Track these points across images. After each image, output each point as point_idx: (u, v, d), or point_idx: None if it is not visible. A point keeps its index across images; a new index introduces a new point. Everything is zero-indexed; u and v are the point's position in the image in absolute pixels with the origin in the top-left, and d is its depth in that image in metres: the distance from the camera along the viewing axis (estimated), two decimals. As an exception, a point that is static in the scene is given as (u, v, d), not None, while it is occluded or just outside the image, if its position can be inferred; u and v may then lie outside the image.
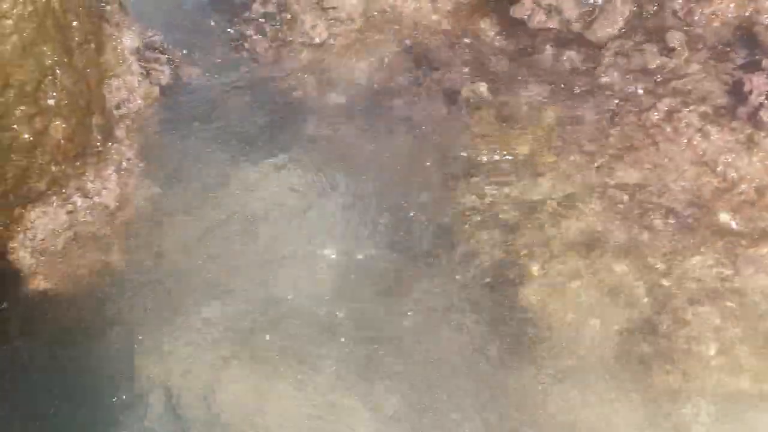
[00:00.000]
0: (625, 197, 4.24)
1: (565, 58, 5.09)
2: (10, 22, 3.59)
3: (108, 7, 4.26)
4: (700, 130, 4.40)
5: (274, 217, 4.36)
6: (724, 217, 4.11)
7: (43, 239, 3.86)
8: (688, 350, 3.62)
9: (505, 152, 4.55)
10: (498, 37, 5.35)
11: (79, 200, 4.03)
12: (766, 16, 4.82)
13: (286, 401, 3.51)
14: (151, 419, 3.52)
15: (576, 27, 5.29)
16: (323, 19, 5.33)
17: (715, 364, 3.57)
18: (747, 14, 4.88)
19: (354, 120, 4.80)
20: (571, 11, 5.32)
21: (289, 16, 5.38)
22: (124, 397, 3.60)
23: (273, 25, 5.38)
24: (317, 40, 5.27)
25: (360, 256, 4.04)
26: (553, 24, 5.41)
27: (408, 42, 5.32)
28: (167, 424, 3.53)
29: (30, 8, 3.65)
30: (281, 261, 4.09)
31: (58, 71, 3.86)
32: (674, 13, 5.02)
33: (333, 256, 4.10)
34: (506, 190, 4.41)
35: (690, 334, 3.66)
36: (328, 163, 4.53)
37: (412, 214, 4.27)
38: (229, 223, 4.30)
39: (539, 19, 5.42)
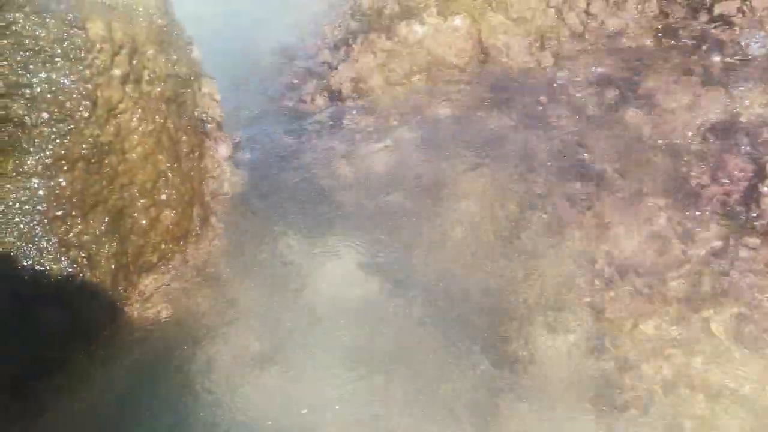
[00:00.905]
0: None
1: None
2: (135, 137, 4.40)
3: (208, 126, 5.01)
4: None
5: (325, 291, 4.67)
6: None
7: (152, 297, 4.44)
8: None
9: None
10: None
11: (179, 268, 4.64)
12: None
13: None
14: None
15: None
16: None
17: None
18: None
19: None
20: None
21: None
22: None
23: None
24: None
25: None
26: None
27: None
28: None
29: (150, 127, 4.48)
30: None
31: (169, 174, 4.62)
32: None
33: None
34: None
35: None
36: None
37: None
38: (287, 292, 4.69)
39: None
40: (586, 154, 5.15)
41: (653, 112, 5.22)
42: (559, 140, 5.20)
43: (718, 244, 4.50)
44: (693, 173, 4.78)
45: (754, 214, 4.42)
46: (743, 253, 4.44)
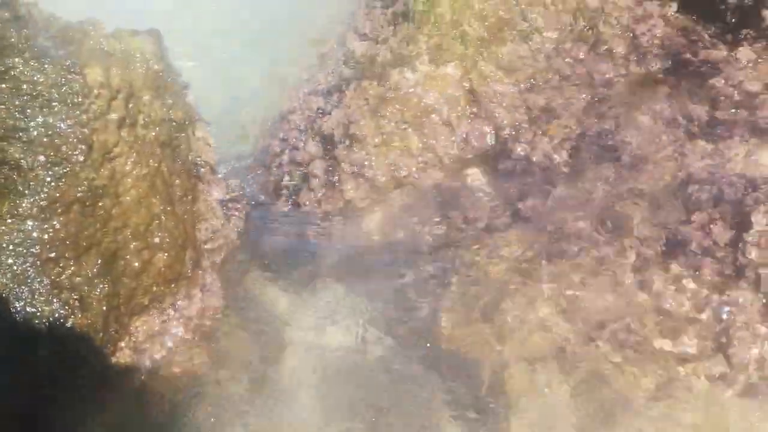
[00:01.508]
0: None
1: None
2: (130, 180, 4.44)
3: (202, 170, 5.06)
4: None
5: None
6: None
7: (143, 341, 4.44)
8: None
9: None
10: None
11: (171, 312, 4.64)
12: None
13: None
14: None
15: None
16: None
17: None
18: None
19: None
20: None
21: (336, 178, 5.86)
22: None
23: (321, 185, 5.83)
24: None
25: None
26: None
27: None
28: None
29: (145, 171, 4.51)
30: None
31: (163, 217, 4.64)
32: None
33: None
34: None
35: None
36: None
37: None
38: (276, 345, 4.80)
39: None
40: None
41: (638, 161, 5.25)
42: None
43: (705, 293, 4.52)
44: (678, 223, 4.84)
45: (742, 263, 4.48)
46: (733, 303, 4.45)
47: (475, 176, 5.57)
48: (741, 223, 4.63)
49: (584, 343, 4.54)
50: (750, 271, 4.44)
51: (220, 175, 5.52)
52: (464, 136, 5.82)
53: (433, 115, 5.81)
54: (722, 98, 5.50)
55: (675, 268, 4.65)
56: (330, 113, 6.05)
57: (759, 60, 5.66)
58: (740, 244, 4.55)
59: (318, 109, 6.35)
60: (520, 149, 5.69)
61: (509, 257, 4.93)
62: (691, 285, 4.55)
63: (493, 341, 4.65)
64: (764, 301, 4.39)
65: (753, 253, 4.46)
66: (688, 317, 4.52)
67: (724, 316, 4.45)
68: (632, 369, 4.41)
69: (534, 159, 5.64)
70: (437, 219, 5.34)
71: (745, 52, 5.73)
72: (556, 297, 4.71)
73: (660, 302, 4.57)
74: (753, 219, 4.56)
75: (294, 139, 6.32)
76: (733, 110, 5.40)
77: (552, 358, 4.49)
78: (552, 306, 4.68)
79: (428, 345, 4.69)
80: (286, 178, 6.12)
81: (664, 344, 4.45)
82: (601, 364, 4.44)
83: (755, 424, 4.08)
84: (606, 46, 6.13)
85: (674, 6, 6.29)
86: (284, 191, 6.06)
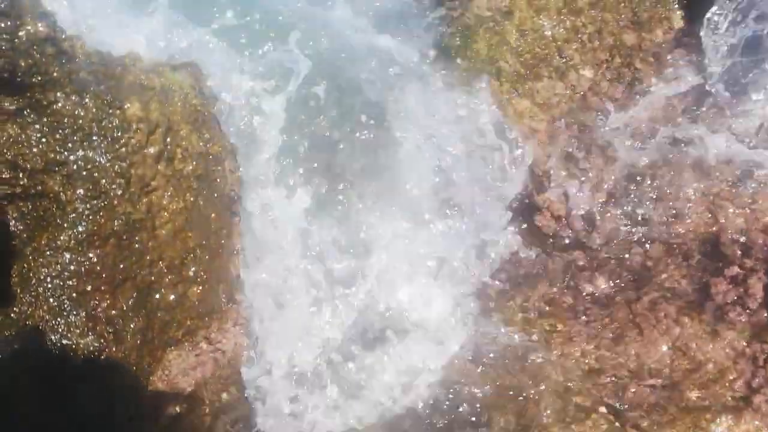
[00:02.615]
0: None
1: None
2: (166, 214, 4.46)
3: (236, 204, 5.07)
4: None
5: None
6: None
7: (176, 374, 4.47)
8: None
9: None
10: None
11: (204, 346, 4.65)
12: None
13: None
14: None
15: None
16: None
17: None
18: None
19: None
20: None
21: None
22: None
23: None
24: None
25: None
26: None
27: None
28: None
29: (181, 204, 4.55)
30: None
31: (198, 251, 4.69)
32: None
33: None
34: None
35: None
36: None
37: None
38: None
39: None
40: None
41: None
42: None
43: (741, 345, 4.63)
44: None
45: None
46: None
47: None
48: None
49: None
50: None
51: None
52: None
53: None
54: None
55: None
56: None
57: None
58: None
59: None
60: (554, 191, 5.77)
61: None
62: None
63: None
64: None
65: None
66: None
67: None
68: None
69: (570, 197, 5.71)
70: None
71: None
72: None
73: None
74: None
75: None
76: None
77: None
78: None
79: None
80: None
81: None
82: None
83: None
84: (641, 85, 6.07)
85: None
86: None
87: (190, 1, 5.81)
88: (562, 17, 5.94)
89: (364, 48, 6.24)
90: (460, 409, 4.93)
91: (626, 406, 4.56)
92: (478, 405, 4.92)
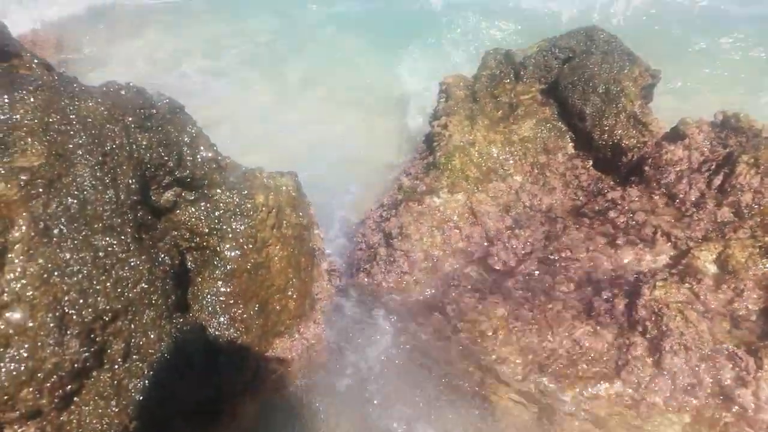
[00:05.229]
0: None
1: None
2: (276, 259, 5.45)
3: (317, 252, 6.04)
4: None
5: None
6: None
7: (280, 353, 5.40)
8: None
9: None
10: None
11: (296, 336, 5.60)
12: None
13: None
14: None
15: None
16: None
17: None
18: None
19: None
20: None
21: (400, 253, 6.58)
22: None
23: (384, 262, 6.67)
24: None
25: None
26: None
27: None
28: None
29: (286, 253, 5.56)
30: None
31: (294, 280, 5.57)
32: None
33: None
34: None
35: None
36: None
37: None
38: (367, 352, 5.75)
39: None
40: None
41: (567, 262, 6.10)
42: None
43: (611, 339, 5.17)
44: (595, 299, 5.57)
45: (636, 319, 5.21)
46: (633, 351, 5.05)
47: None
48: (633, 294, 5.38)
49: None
50: (640, 325, 5.15)
51: (328, 255, 6.38)
52: (467, 235, 6.80)
53: (450, 223, 6.82)
54: (620, 219, 6.31)
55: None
56: (389, 219, 6.90)
57: (641, 196, 6.46)
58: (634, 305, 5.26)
59: (382, 216, 7.21)
60: (500, 245, 6.57)
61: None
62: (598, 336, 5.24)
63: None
64: (647, 343, 5.07)
65: (642, 312, 5.19)
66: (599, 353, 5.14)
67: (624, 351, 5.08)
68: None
69: (509, 248, 6.52)
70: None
71: (632, 191, 6.59)
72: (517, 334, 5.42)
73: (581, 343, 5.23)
74: (641, 292, 5.29)
75: (369, 234, 7.17)
76: (624, 228, 6.19)
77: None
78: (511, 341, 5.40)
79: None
80: (364, 257, 7.04)
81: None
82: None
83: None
84: (550, 186, 7.17)
85: (590, 162, 7.29)
86: (362, 266, 6.95)
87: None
88: (503, 146, 7.34)
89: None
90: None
91: (547, 373, 5.13)
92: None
